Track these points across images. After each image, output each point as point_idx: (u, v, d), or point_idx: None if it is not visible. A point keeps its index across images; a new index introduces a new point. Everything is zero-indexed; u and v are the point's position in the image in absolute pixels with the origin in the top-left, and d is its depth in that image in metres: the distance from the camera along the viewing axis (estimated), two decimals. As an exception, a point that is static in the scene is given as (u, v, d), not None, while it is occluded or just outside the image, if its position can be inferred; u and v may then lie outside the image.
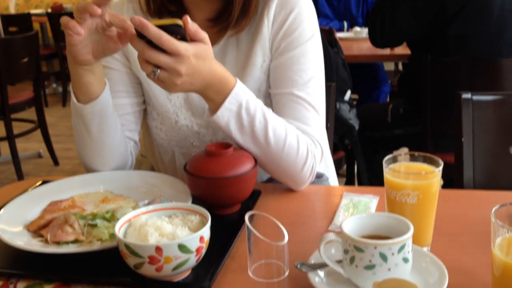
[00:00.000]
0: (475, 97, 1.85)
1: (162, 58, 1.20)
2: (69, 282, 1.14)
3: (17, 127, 4.79)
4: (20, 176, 4.59)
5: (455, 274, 1.07)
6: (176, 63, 1.20)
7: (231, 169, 1.36)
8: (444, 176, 1.18)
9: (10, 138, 4.54)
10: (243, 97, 1.36)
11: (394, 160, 1.21)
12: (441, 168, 1.15)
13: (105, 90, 1.45)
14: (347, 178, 3.58)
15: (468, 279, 1.09)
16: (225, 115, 1.36)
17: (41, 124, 4.90)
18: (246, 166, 1.39)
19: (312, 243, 1.23)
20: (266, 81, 1.56)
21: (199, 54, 1.23)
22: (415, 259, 1.05)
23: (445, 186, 2.37)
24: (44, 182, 1.54)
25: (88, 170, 1.56)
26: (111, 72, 1.57)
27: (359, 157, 3.17)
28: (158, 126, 1.65)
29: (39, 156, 5.34)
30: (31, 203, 1.38)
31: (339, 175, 1.90)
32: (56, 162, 5.10)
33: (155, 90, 1.58)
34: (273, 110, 1.45)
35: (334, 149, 2.51)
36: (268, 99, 1.57)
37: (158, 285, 1.11)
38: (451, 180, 2.03)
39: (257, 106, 1.39)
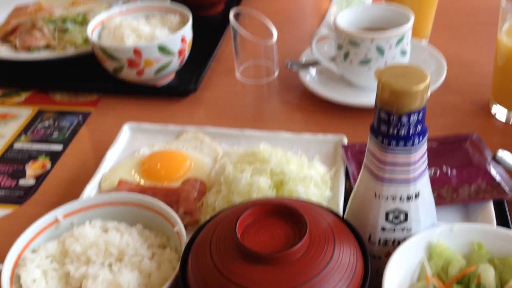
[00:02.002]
0: None
1: None
2: (47, 90, 1.09)
3: None
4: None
5: (453, 66, 1.02)
6: None
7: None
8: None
9: None
10: None
11: None
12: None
13: None
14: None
15: (467, 71, 1.05)
16: None
17: None
18: (229, -41, 1.24)
19: (303, 42, 1.15)
20: None
21: None
22: (412, 52, 0.99)
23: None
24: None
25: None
26: None
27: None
28: None
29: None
30: (-6, 8, 1.25)
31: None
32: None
33: None
34: None
35: None
36: None
37: (141, 90, 1.06)
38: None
39: None
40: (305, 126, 0.96)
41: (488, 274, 0.55)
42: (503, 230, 0.59)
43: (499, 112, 0.92)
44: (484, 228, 0.59)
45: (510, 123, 0.91)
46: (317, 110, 0.99)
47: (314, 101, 1.00)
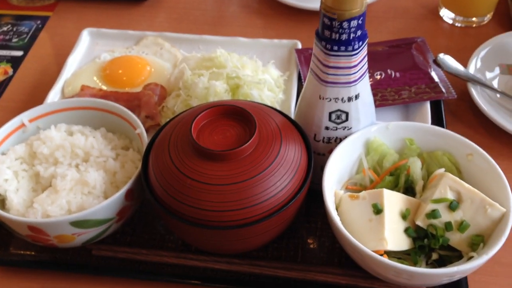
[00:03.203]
0: None
1: None
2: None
3: None
4: None
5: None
6: None
7: None
8: None
9: None
10: None
11: None
12: None
13: None
14: None
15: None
16: None
17: None
18: None
19: None
20: None
21: None
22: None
23: None
24: None
25: None
26: None
27: None
28: None
29: None
30: None
31: None
32: None
33: None
34: None
35: None
36: None
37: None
38: None
39: None
40: (263, 31, 0.98)
41: (416, 166, 0.62)
42: (431, 126, 0.65)
43: (446, 15, 0.96)
44: (415, 125, 0.65)
45: (456, 25, 0.95)
46: (276, 15, 1.01)
47: (272, 5, 1.02)
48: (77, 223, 0.58)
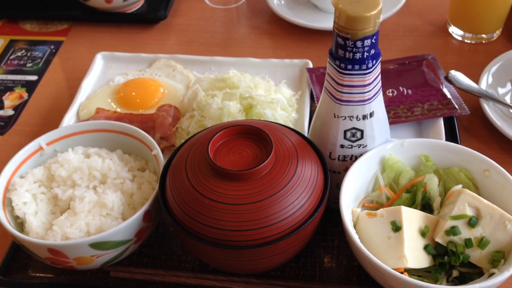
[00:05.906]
0: None
1: None
2: (16, 19, 1.09)
3: None
4: None
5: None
6: None
7: None
8: None
9: None
10: None
11: None
12: None
13: None
14: None
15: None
16: None
17: None
18: None
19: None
20: None
21: None
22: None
23: None
24: None
25: None
26: None
27: None
28: None
29: None
30: None
31: None
32: None
33: None
34: None
35: None
36: None
37: (111, 17, 1.07)
38: None
39: None
40: (273, 51, 0.99)
41: (433, 182, 0.62)
42: (447, 143, 0.66)
43: (455, 32, 0.97)
44: (430, 142, 0.66)
45: (466, 42, 0.96)
46: (285, 35, 1.02)
47: (281, 26, 1.03)
48: (96, 245, 0.59)
